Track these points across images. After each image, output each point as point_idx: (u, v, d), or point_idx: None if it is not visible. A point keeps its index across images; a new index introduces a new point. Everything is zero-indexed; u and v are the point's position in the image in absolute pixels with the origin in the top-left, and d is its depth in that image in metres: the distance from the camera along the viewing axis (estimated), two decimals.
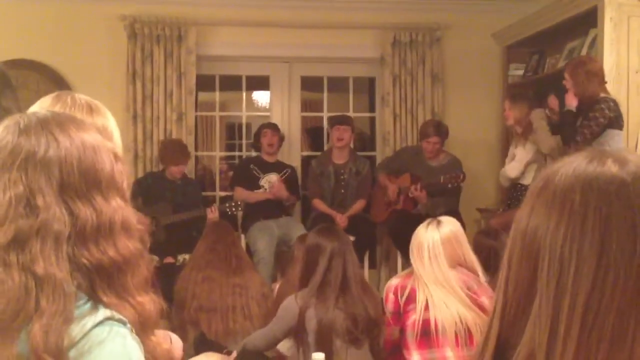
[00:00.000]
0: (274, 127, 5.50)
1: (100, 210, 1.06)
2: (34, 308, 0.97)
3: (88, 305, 1.02)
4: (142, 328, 1.08)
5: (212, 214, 4.98)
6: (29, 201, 1.02)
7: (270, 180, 5.38)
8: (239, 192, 5.33)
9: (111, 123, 1.57)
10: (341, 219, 5.16)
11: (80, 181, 1.06)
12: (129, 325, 1.04)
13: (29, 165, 1.04)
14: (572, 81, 3.91)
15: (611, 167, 0.73)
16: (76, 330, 0.99)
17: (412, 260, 2.98)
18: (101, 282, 1.04)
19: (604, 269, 0.69)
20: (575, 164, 0.75)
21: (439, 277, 2.84)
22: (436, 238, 2.89)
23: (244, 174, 5.43)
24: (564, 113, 4.02)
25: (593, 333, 0.69)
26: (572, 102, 3.96)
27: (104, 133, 1.41)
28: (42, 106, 1.52)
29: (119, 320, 1.02)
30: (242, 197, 5.24)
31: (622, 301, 0.69)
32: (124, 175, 1.15)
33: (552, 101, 4.34)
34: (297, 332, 2.95)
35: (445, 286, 2.83)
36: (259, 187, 5.37)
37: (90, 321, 1.00)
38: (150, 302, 1.12)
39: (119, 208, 1.09)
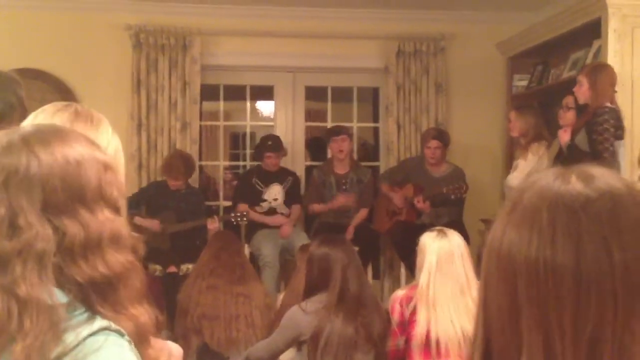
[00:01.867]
0: (277, 151, 5.33)
1: (87, 225, 1.03)
2: (17, 329, 0.96)
3: (85, 315, 1.01)
4: (139, 340, 1.07)
5: (213, 224, 4.95)
6: (11, 222, 1.00)
7: (274, 194, 5.33)
8: (251, 214, 5.22)
9: (103, 137, 1.55)
10: (348, 232, 5.15)
11: (65, 197, 1.03)
12: (127, 337, 1.03)
13: (9, 184, 1.01)
14: (588, 84, 3.85)
15: (575, 185, 0.73)
16: (71, 338, 0.98)
17: (416, 272, 2.98)
18: (96, 296, 1.02)
19: (584, 285, 0.69)
20: (541, 183, 0.76)
21: (443, 289, 2.83)
22: (441, 250, 2.88)
23: (247, 189, 5.37)
24: (569, 148, 3.94)
25: (589, 351, 0.68)
26: (566, 137, 3.93)
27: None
28: (53, 118, 1.53)
29: (117, 331, 1.02)
30: (255, 219, 5.21)
31: (614, 316, 0.68)
32: (115, 185, 1.12)
33: (569, 100, 4.22)
34: (307, 342, 2.94)
35: (450, 298, 2.82)
36: (262, 201, 5.33)
37: (86, 330, 0.99)
38: (144, 313, 1.10)
39: (107, 221, 1.06)
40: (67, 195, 1.03)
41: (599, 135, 3.71)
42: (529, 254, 0.71)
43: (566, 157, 3.92)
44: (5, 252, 0.99)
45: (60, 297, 1.00)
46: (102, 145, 1.37)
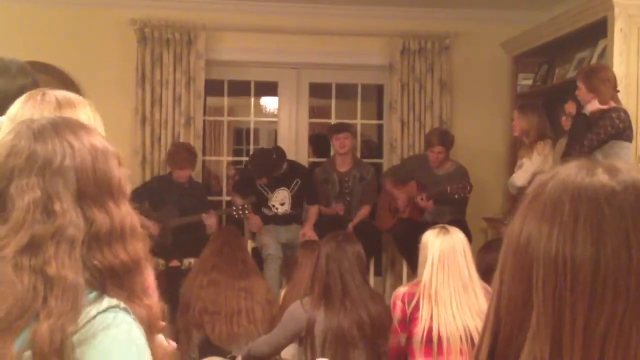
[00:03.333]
0: (280, 162, 5.24)
1: (112, 216, 1.09)
2: (40, 308, 0.99)
3: (93, 294, 1.05)
4: (149, 328, 1.09)
5: (209, 219, 4.94)
6: (46, 206, 1.05)
7: (281, 199, 5.26)
8: (253, 219, 5.20)
9: (84, 115, 1.55)
10: (348, 228, 5.15)
11: (95, 187, 1.09)
12: (133, 316, 1.05)
13: (46, 171, 1.06)
14: (585, 89, 3.85)
15: (600, 177, 0.72)
16: (81, 316, 1.01)
17: (419, 269, 2.98)
18: (112, 284, 1.07)
19: (601, 279, 0.68)
20: (564, 174, 0.75)
21: (445, 285, 2.84)
22: (444, 247, 2.88)
23: (251, 191, 5.27)
24: (578, 115, 3.95)
25: (597, 345, 0.68)
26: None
27: None
28: (17, 106, 1.54)
29: (124, 310, 1.04)
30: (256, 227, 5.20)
31: (624, 311, 0.68)
32: (127, 180, 1.19)
33: (570, 106, 4.24)
34: (304, 337, 2.96)
35: (453, 294, 2.82)
36: (268, 207, 5.27)
37: (94, 309, 1.03)
38: (155, 304, 1.14)
39: (128, 213, 1.13)
40: (98, 185, 1.10)
41: (597, 128, 3.70)
42: (549, 246, 0.71)
43: (572, 125, 3.94)
44: (39, 235, 1.03)
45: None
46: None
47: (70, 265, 1.03)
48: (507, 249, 0.77)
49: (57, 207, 1.04)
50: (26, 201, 1.04)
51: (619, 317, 0.68)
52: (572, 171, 0.75)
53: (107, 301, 1.04)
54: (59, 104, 1.53)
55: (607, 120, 3.70)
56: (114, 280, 1.07)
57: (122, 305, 1.05)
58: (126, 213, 1.13)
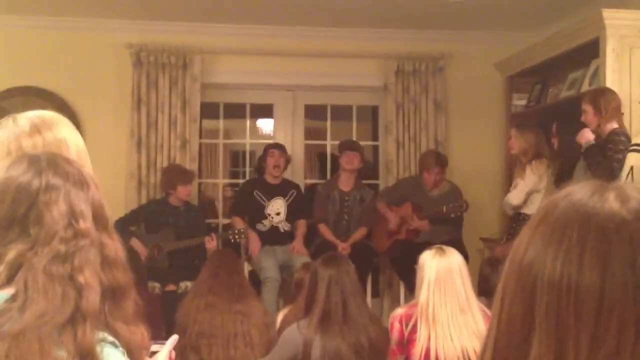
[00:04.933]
0: (281, 148, 5.43)
1: (106, 243, 1.16)
2: (72, 314, 1.05)
3: None
4: (134, 355, 1.11)
5: (211, 243, 4.94)
6: (70, 222, 1.12)
7: (277, 208, 5.33)
8: (253, 238, 5.22)
9: (64, 132, 1.53)
10: (343, 247, 5.15)
11: (98, 219, 1.17)
12: (121, 349, 1.06)
13: (70, 192, 1.14)
14: (593, 111, 3.87)
15: (612, 204, 0.71)
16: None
17: (417, 290, 2.97)
18: (110, 305, 1.12)
19: (606, 309, 0.67)
20: (576, 197, 0.73)
21: (443, 306, 2.83)
22: (440, 268, 2.87)
23: (248, 202, 5.35)
24: (588, 148, 3.93)
25: None
26: (589, 136, 3.94)
27: (60, 145, 1.42)
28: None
29: (112, 343, 1.05)
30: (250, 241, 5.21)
31: (634, 342, 0.66)
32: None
33: (587, 134, 4.06)
34: None
35: (450, 316, 2.81)
36: (264, 216, 5.30)
37: None
38: (142, 331, 1.18)
39: (116, 241, 1.20)
40: (98, 213, 1.17)
41: (615, 153, 3.73)
42: (553, 270, 0.70)
43: (585, 155, 3.93)
44: (68, 249, 1.10)
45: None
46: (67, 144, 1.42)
47: (94, 278, 1.10)
48: (510, 269, 0.76)
49: (82, 225, 1.12)
50: (54, 214, 1.11)
51: (628, 347, 0.66)
52: (585, 195, 0.73)
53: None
54: (35, 127, 1.48)
55: (618, 143, 3.73)
56: (111, 302, 1.12)
57: (110, 339, 1.07)
58: (115, 240, 1.19)
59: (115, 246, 1.16)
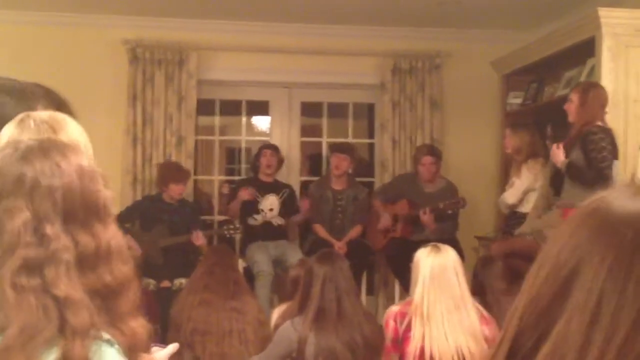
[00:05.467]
0: (274, 149, 5.51)
1: (98, 237, 1.09)
2: (58, 328, 1.00)
3: None
4: (132, 352, 1.09)
5: (198, 240, 4.93)
6: (36, 229, 1.04)
7: (270, 204, 5.36)
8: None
9: (77, 131, 1.55)
10: (339, 246, 5.15)
11: (82, 209, 1.09)
12: (117, 346, 1.04)
13: (34, 193, 1.06)
14: (578, 102, 3.85)
15: None
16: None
17: (411, 288, 2.97)
18: (97, 306, 1.06)
19: None
20: (631, 199, 0.71)
21: (437, 304, 2.83)
22: (435, 265, 2.88)
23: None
24: (568, 169, 3.88)
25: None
26: (560, 157, 3.93)
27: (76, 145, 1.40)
28: (7, 134, 1.50)
29: (107, 341, 1.03)
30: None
31: None
32: (112, 202, 1.18)
33: (558, 154, 4.02)
34: (295, 358, 2.94)
35: (445, 313, 2.81)
36: (258, 211, 5.35)
37: None
38: (140, 326, 1.13)
39: (114, 234, 1.13)
40: (85, 207, 1.09)
41: (598, 154, 3.70)
42: (600, 268, 0.67)
43: (567, 175, 3.91)
44: (33, 257, 1.03)
45: None
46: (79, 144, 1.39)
47: (73, 286, 1.03)
48: (545, 257, 0.73)
49: (48, 230, 1.04)
50: (17, 223, 1.03)
51: None
52: (631, 200, 0.71)
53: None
54: (53, 129, 1.51)
55: (601, 142, 3.70)
56: (95, 303, 1.06)
57: (106, 336, 1.04)
58: (112, 234, 1.12)
59: (95, 241, 1.08)
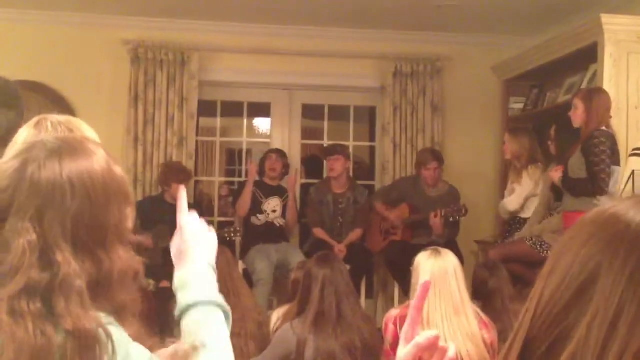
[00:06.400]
0: (280, 153, 5.54)
1: (101, 266, 1.04)
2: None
3: None
4: None
5: None
6: (43, 253, 0.99)
7: (273, 206, 5.38)
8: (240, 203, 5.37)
9: (91, 135, 1.54)
10: (340, 249, 5.14)
11: (89, 236, 1.04)
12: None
13: (44, 215, 1.01)
14: (583, 108, 3.86)
15: None
16: None
17: (412, 291, 2.97)
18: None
19: None
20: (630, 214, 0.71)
21: (437, 308, 2.83)
22: (435, 269, 2.87)
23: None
24: (565, 184, 3.91)
25: None
26: (557, 176, 3.94)
27: None
28: (24, 136, 1.49)
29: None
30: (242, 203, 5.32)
31: None
32: (130, 218, 1.13)
33: (554, 175, 4.08)
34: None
35: (444, 318, 2.81)
36: (261, 211, 5.37)
37: None
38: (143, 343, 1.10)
39: (119, 259, 1.07)
40: (92, 234, 1.04)
41: (595, 158, 3.71)
42: (621, 275, 0.67)
43: (563, 189, 3.94)
44: (36, 281, 0.98)
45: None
46: None
47: (85, 314, 0.98)
48: (558, 263, 0.73)
49: (58, 256, 0.99)
50: (22, 243, 0.98)
51: None
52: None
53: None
54: (70, 130, 1.50)
55: (601, 146, 3.70)
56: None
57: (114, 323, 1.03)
58: (117, 260, 1.06)
59: (94, 270, 1.02)
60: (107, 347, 0.98)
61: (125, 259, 1.09)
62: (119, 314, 1.06)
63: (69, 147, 1.08)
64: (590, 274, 0.70)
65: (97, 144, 1.15)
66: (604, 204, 0.75)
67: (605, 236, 0.71)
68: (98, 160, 1.10)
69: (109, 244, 1.06)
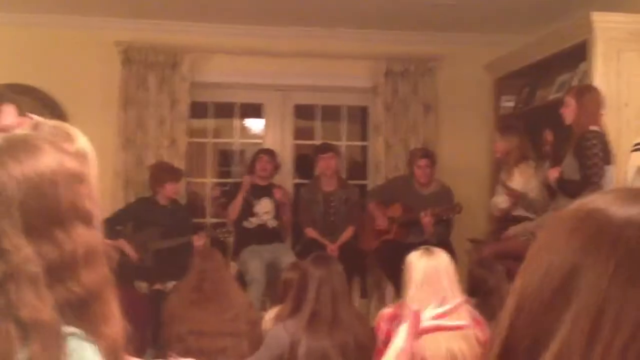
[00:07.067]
0: (270, 154, 5.53)
1: (61, 246, 1.01)
2: (25, 355, 0.93)
3: None
4: (111, 357, 1.05)
5: (199, 241, 4.93)
6: None
7: (265, 207, 5.37)
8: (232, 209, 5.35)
9: (82, 140, 1.53)
10: (332, 249, 5.14)
11: (41, 219, 1.01)
12: (95, 347, 1.01)
13: None
14: (575, 105, 3.86)
15: None
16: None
17: (403, 290, 2.97)
18: (69, 315, 1.00)
19: None
20: (628, 203, 0.70)
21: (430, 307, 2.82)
22: (427, 268, 2.87)
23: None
24: (561, 186, 3.93)
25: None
26: (554, 173, 3.95)
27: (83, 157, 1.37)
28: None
29: (87, 339, 1.01)
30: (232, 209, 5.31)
31: None
32: (87, 197, 1.09)
33: (553, 173, 4.10)
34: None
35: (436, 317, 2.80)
36: (253, 214, 5.36)
37: None
38: (117, 330, 1.07)
39: (81, 237, 1.04)
40: (43, 216, 1.01)
41: (588, 160, 3.72)
42: (604, 272, 0.66)
43: (559, 190, 3.95)
44: None
45: None
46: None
47: (42, 306, 0.96)
48: (537, 262, 0.72)
49: (6, 244, 0.97)
50: None
51: None
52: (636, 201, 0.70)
53: (70, 329, 0.99)
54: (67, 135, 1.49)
55: (594, 148, 3.72)
56: (69, 312, 1.00)
57: (85, 335, 1.01)
58: (79, 239, 1.03)
59: (59, 250, 1.00)
60: (65, 342, 0.96)
61: (89, 236, 1.05)
62: (92, 297, 1.03)
63: (13, 146, 1.06)
64: (572, 269, 0.69)
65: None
66: (584, 198, 0.74)
67: (587, 230, 0.70)
68: (43, 154, 1.07)
69: (67, 223, 1.03)
